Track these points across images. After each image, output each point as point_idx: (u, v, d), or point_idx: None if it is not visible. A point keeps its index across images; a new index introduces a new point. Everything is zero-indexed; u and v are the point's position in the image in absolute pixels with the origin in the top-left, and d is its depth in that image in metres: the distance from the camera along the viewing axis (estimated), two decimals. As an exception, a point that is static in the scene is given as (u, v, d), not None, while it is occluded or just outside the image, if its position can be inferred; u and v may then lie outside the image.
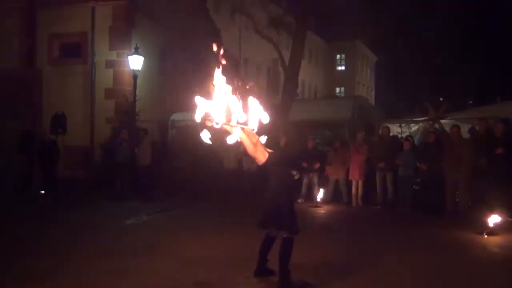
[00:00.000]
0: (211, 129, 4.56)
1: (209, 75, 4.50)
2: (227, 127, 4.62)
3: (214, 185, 11.25)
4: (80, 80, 15.02)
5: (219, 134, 4.71)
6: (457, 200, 9.66)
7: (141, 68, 13.49)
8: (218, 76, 4.47)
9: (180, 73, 17.36)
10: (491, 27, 32.48)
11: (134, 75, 13.24)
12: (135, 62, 13.23)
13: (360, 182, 10.85)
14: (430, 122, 13.39)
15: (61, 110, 12.85)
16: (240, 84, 4.61)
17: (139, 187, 11.35)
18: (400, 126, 13.43)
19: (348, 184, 11.06)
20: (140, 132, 12.06)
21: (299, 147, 10.52)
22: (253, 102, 4.60)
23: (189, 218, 9.32)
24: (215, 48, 4.52)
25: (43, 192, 11.54)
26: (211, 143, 4.63)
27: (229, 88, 4.51)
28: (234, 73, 4.80)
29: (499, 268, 5.94)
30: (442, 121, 13.13)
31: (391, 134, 12.26)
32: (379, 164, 10.54)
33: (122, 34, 14.73)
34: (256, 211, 5.24)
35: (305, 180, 11.29)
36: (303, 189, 11.33)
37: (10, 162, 11.90)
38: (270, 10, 20.20)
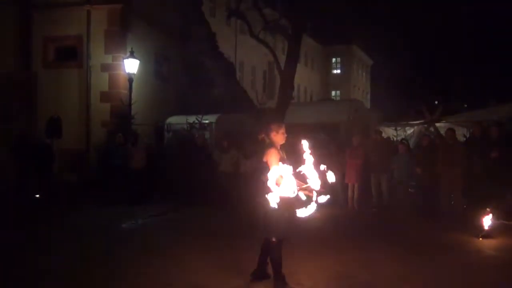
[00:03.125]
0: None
1: None
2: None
3: (210, 188, 11.22)
4: (75, 84, 14.95)
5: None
6: (452, 203, 9.69)
7: (137, 72, 13.48)
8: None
9: (176, 76, 17.37)
10: (487, 30, 32.64)
11: (130, 78, 13.23)
12: (131, 65, 13.23)
13: (356, 186, 10.86)
14: (426, 125, 13.44)
15: (56, 114, 12.81)
16: None
17: (129, 190, 11.31)
18: (396, 129, 13.46)
19: (344, 187, 11.07)
20: (134, 135, 12.06)
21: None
22: None
23: (185, 222, 9.30)
24: None
25: (37, 196, 11.49)
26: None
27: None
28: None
29: (494, 271, 5.96)
30: (437, 124, 13.18)
31: (385, 137, 12.33)
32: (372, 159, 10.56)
33: (118, 38, 14.69)
34: (251, 215, 5.23)
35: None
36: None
37: (5, 165, 11.84)
38: (266, 14, 20.23)
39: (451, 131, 10.03)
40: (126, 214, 9.52)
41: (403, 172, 10.23)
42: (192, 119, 13.44)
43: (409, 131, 13.87)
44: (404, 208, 10.11)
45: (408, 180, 10.37)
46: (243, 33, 25.47)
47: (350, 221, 9.71)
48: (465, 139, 11.12)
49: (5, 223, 8.61)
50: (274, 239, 4.90)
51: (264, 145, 5.00)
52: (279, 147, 4.99)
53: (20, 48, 15.17)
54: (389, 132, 13.68)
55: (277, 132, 5.00)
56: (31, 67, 15.28)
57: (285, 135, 5.04)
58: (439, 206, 9.75)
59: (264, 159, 4.88)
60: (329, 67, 45.84)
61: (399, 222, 9.39)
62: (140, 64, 13.54)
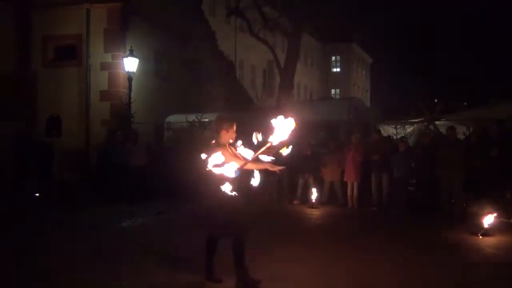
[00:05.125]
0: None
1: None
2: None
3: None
4: (75, 83, 14.95)
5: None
6: (452, 201, 9.69)
7: (136, 70, 13.48)
8: None
9: (175, 74, 17.36)
10: (487, 28, 32.67)
11: (129, 77, 13.23)
12: (130, 64, 13.23)
13: (355, 184, 10.86)
14: (425, 123, 13.45)
15: (56, 113, 12.82)
16: None
17: (129, 189, 11.29)
18: (396, 128, 13.48)
19: (344, 185, 11.07)
20: (135, 133, 12.07)
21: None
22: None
23: (184, 221, 9.29)
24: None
25: (37, 194, 11.49)
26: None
27: None
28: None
29: (493, 269, 5.96)
30: (437, 122, 13.19)
31: (385, 135, 12.33)
32: (372, 157, 10.53)
33: (117, 36, 14.68)
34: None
35: (300, 181, 11.31)
36: (299, 190, 11.35)
37: (5, 164, 11.84)
38: (265, 12, 20.23)
39: (452, 129, 10.03)
40: (126, 213, 9.51)
41: (403, 170, 10.23)
42: (192, 117, 13.44)
43: (409, 129, 13.88)
44: (403, 207, 10.12)
45: (407, 178, 10.37)
46: (243, 31, 25.48)
47: (350, 219, 9.72)
48: (465, 137, 11.12)
49: (5, 223, 8.61)
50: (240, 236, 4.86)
51: (211, 145, 4.83)
52: (227, 145, 4.81)
53: (20, 47, 15.16)
54: (389, 130, 13.69)
55: (227, 131, 4.83)
56: (31, 66, 15.28)
57: (235, 134, 4.87)
58: (439, 204, 9.76)
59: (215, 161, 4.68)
60: (328, 65, 45.81)
61: (398, 221, 9.40)
62: (139, 63, 13.54)
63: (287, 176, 11.47)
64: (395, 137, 12.77)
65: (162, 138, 14.51)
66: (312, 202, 10.72)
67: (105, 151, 12.37)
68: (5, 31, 14.95)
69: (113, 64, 14.69)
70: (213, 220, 4.83)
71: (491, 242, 7.25)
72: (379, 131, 11.95)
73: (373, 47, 43.99)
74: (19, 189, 11.53)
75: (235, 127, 4.88)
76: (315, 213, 10.28)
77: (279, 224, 8.71)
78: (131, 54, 13.25)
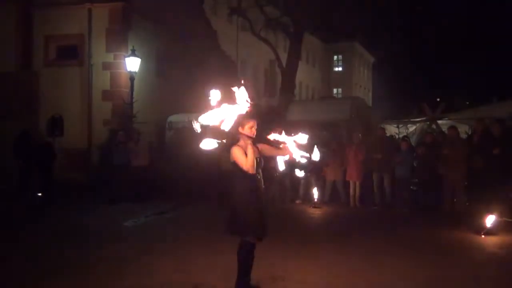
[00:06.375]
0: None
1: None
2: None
3: (211, 186, 11.22)
4: (77, 82, 14.97)
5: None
6: (455, 200, 9.67)
7: (138, 70, 13.49)
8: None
9: (177, 74, 17.35)
10: (489, 27, 32.56)
11: (131, 77, 13.24)
12: (132, 64, 13.24)
13: (357, 183, 10.85)
14: (427, 122, 13.43)
15: (57, 113, 12.82)
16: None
17: (131, 189, 11.29)
18: (398, 127, 13.47)
19: (346, 185, 11.06)
20: (136, 133, 12.06)
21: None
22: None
23: (187, 220, 9.30)
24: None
25: (39, 194, 11.51)
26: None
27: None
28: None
29: (496, 268, 5.95)
30: (439, 121, 13.17)
31: (388, 134, 12.32)
32: (375, 156, 10.50)
33: (119, 36, 14.69)
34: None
35: (302, 181, 11.30)
36: (301, 190, 11.33)
37: (7, 164, 11.86)
38: (267, 12, 20.20)
39: (453, 129, 10.01)
40: (128, 213, 9.53)
41: (405, 169, 10.21)
42: (193, 117, 13.43)
43: (411, 128, 13.86)
44: (406, 206, 10.10)
45: (410, 177, 10.36)
46: (245, 31, 25.46)
47: (352, 219, 9.70)
48: (467, 136, 11.10)
49: (7, 222, 8.63)
50: (250, 239, 4.63)
51: (231, 142, 4.76)
52: (247, 142, 4.68)
53: (21, 47, 15.19)
54: (391, 129, 13.67)
55: (243, 127, 4.68)
56: (32, 66, 15.30)
57: (254, 130, 4.71)
58: (441, 203, 9.75)
59: (232, 159, 4.66)
60: (330, 64, 45.77)
61: (401, 220, 9.38)
62: (141, 63, 13.55)
63: (289, 175, 11.47)
64: (397, 136, 12.75)
65: (164, 137, 14.51)
66: (314, 202, 10.71)
67: (107, 151, 12.37)
68: (7, 31, 14.98)
69: (115, 63, 14.70)
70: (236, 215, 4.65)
71: (494, 242, 7.23)
72: (383, 128, 11.93)
73: (375, 46, 43.89)
74: (21, 189, 11.54)
75: (252, 122, 4.69)
76: (317, 212, 10.27)
77: (281, 223, 8.68)
78: (133, 53, 13.26)
